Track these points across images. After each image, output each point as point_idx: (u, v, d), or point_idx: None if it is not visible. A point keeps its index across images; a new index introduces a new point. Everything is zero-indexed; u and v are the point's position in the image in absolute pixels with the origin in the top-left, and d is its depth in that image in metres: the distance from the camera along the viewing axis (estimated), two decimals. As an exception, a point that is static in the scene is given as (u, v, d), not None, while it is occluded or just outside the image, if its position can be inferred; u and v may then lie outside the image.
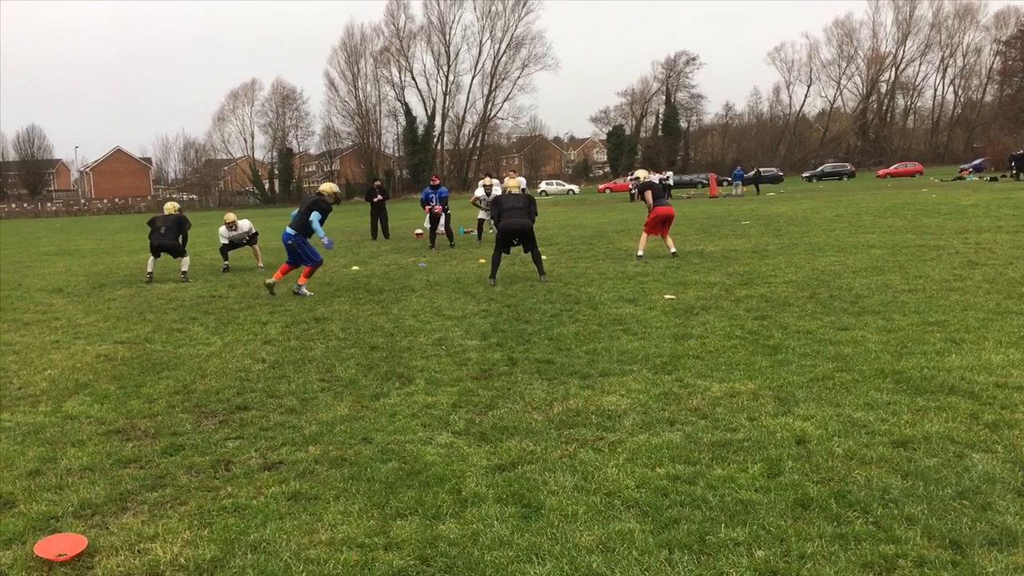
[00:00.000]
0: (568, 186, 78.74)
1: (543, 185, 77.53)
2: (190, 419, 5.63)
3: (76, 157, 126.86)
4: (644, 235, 14.25)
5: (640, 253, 13.99)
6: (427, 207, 19.52)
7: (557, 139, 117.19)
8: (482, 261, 15.13)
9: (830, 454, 4.36)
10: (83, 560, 3.54)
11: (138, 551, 3.61)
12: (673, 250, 13.99)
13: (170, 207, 14.86)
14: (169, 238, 14.23)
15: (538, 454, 4.60)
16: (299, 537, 3.67)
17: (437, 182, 20.15)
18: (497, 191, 21.26)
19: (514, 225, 11.90)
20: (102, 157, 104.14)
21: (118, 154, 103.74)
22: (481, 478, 4.27)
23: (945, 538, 3.37)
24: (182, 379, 6.81)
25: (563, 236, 20.18)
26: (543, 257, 14.60)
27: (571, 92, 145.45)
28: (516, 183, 13.19)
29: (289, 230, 11.72)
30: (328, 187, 12.40)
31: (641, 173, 15.44)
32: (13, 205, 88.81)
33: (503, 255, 12.22)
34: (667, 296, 9.83)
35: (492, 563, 3.34)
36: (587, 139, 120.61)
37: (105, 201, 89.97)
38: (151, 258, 14.42)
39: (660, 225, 14.14)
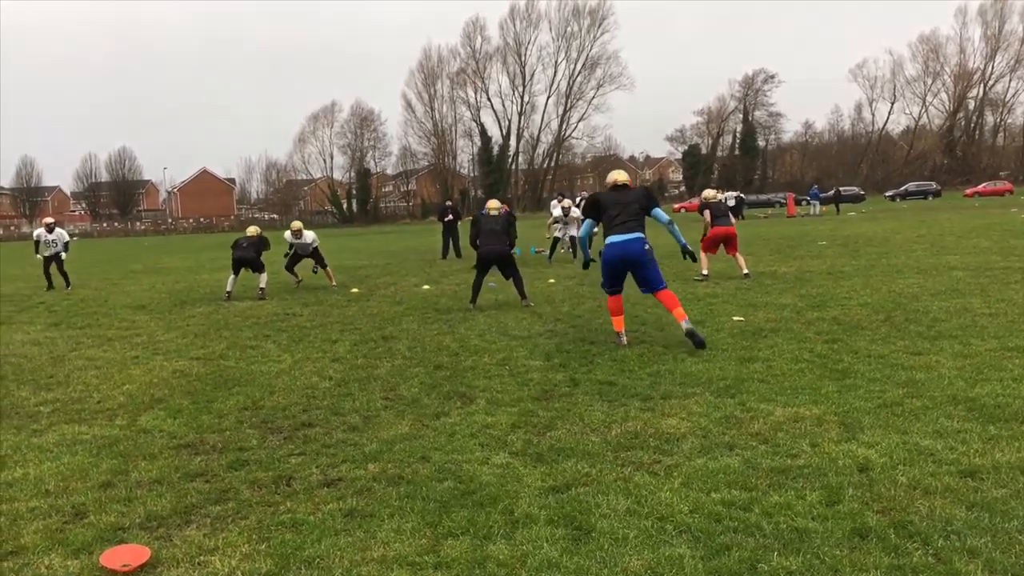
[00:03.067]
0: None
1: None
2: (256, 435, 5.78)
3: (164, 178, 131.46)
4: (703, 254, 14.19)
5: (704, 272, 13.91)
6: None
7: (632, 158, 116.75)
8: (551, 281, 15.16)
9: (893, 483, 4.24)
10: (145, 571, 3.66)
11: (198, 563, 3.71)
12: (745, 271, 13.83)
13: (252, 230, 16.16)
14: (250, 252, 15.15)
15: (593, 476, 4.59)
16: (352, 554, 3.73)
17: (506, 208, 20.34)
18: (557, 212, 21.41)
19: (491, 253, 11.94)
20: (189, 178, 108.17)
21: (204, 175, 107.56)
22: (534, 499, 4.28)
23: (1007, 572, 3.24)
24: (252, 395, 6.99)
25: (634, 256, 20.02)
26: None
27: (646, 111, 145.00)
28: (495, 204, 13.02)
29: (639, 234, 8.51)
30: (620, 176, 9.10)
31: (708, 193, 15.33)
32: (104, 224, 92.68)
33: (484, 279, 12.21)
34: (736, 318, 9.70)
35: (539, 585, 3.35)
36: (662, 158, 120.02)
37: (191, 220, 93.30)
38: (231, 276, 15.10)
39: (717, 244, 14.20)
